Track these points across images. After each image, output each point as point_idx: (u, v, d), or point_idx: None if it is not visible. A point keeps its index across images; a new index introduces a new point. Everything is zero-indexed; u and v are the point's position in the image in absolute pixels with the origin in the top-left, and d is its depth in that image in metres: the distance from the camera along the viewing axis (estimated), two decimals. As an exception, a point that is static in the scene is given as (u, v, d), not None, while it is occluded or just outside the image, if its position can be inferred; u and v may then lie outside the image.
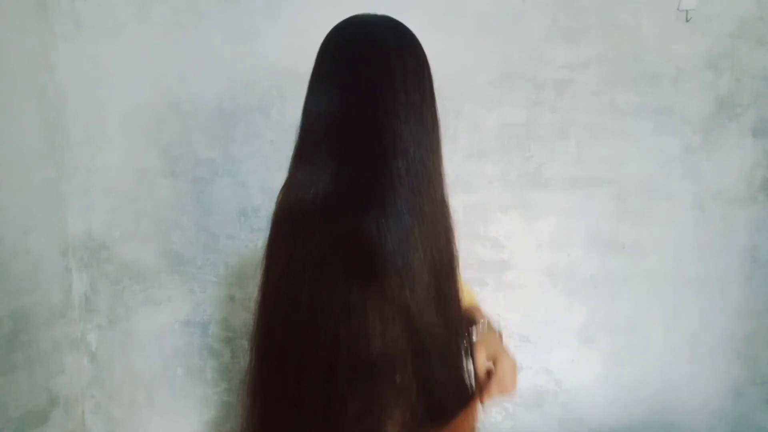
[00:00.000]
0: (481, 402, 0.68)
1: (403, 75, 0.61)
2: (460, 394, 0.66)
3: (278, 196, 0.66)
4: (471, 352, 0.69)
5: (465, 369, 0.67)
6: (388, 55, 0.62)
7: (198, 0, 1.30)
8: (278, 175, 0.68)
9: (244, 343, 0.69)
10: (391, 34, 0.64)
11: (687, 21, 1.18)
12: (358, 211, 0.58)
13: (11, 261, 1.24)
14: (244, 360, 0.70)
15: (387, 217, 0.57)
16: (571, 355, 1.30)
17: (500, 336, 0.75)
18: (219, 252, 1.37)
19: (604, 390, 1.29)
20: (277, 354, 0.63)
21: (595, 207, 1.25)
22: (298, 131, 0.65)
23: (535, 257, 1.28)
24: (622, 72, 1.21)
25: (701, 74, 1.19)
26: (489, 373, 0.69)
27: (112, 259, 1.42)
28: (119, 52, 1.34)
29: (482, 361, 0.69)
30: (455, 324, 0.65)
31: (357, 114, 0.60)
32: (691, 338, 1.26)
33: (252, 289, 0.69)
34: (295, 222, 0.62)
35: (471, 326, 0.75)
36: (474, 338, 0.73)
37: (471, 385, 0.68)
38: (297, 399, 0.60)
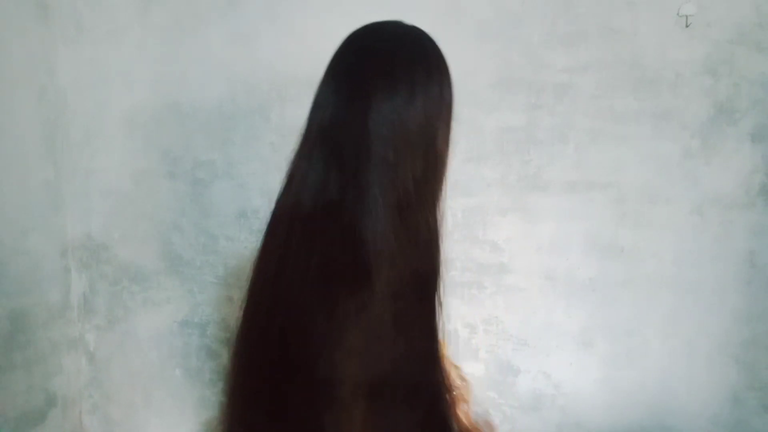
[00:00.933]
0: None
1: (410, 85, 0.57)
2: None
3: None
4: None
5: (446, 413, 0.61)
6: (393, 64, 0.58)
7: (198, 3, 1.31)
8: (278, 178, 0.68)
9: (242, 345, 0.71)
10: (404, 42, 0.61)
11: (686, 27, 1.18)
12: (323, 219, 0.57)
13: (10, 261, 1.24)
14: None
15: (351, 229, 0.55)
16: (570, 359, 1.30)
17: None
18: (218, 253, 1.37)
19: (603, 394, 1.29)
20: (243, 354, 0.64)
21: (594, 211, 1.26)
22: (300, 134, 0.65)
23: (534, 260, 1.28)
24: (621, 77, 1.21)
25: (700, 79, 1.20)
26: None
27: (111, 260, 1.42)
28: (119, 54, 1.35)
29: None
30: (426, 357, 0.59)
31: (347, 119, 0.58)
32: (690, 342, 1.26)
33: (250, 291, 0.70)
34: (272, 224, 0.63)
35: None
36: None
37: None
38: (253, 398, 0.61)
